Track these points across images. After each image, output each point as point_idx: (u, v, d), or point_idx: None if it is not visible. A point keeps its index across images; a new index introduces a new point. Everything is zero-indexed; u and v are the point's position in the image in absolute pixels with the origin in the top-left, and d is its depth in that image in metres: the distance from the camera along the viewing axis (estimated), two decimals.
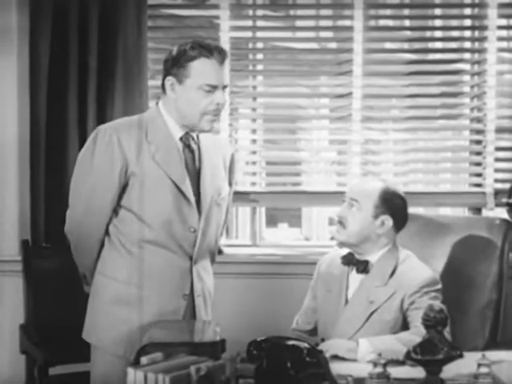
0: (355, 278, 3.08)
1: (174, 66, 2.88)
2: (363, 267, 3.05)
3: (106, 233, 2.98)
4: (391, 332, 2.96)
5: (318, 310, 3.16)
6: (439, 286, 3.04)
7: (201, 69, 2.85)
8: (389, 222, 3.07)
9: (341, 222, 3.05)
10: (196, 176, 2.97)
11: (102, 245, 3.00)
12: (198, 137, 3.00)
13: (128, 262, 2.93)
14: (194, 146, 2.99)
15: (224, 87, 2.90)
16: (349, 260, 3.09)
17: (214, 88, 2.86)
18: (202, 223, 2.97)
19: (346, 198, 3.09)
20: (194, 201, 2.94)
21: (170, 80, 2.89)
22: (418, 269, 3.06)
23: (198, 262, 2.99)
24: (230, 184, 3.16)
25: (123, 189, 2.91)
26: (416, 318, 2.85)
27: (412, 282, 2.99)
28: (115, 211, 2.94)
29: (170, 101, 2.93)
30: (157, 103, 3.00)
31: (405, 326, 2.98)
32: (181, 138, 2.96)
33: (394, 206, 3.09)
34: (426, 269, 3.08)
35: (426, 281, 3.01)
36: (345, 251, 3.13)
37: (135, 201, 2.90)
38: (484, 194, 4.19)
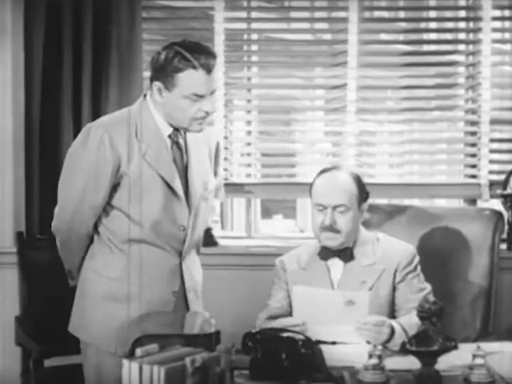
0: (337, 265, 3.08)
1: (161, 73, 2.83)
2: (349, 255, 3.07)
3: (96, 230, 2.96)
4: (388, 306, 3.02)
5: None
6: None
7: (187, 80, 2.80)
8: (366, 205, 3.13)
9: (332, 228, 3.03)
10: (184, 172, 2.96)
11: (91, 241, 2.98)
12: (185, 132, 2.96)
13: (118, 259, 2.92)
14: (182, 142, 2.97)
15: (212, 93, 2.86)
16: (328, 253, 3.09)
17: (201, 97, 2.83)
18: (191, 220, 2.96)
19: (322, 207, 3.04)
20: (184, 198, 2.93)
21: (156, 85, 2.85)
22: (399, 243, 3.13)
23: (186, 257, 2.99)
24: (216, 174, 3.12)
25: (114, 188, 2.88)
26: (415, 287, 3.04)
27: (401, 254, 3.07)
28: (105, 210, 2.92)
29: (157, 101, 2.89)
30: (144, 95, 2.95)
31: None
32: (169, 135, 2.94)
33: (364, 187, 3.12)
34: (405, 243, 3.15)
35: (413, 251, 3.11)
36: (312, 247, 3.14)
37: (126, 200, 2.88)
38: (479, 185, 4.19)
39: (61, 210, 2.95)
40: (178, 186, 2.91)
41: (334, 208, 3.02)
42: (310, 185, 3.11)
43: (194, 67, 2.80)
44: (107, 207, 2.91)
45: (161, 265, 2.94)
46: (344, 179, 3.06)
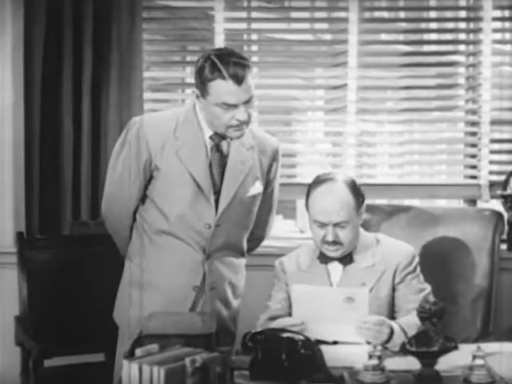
0: (336, 269, 3.07)
1: (197, 80, 2.90)
2: (349, 259, 3.05)
3: (135, 219, 3.10)
4: (388, 307, 3.01)
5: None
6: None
7: (217, 89, 2.85)
8: (363, 208, 3.10)
9: (335, 242, 3.01)
10: (220, 174, 3.01)
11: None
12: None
13: (146, 248, 3.04)
14: (224, 145, 3.01)
15: (246, 102, 2.88)
16: (328, 258, 3.06)
17: (234, 106, 2.86)
18: (219, 220, 3.00)
19: (322, 224, 3.00)
20: (213, 198, 2.99)
21: (195, 92, 2.94)
22: (399, 244, 3.12)
23: (213, 256, 3.04)
24: (270, 181, 3.19)
25: (149, 180, 3.01)
26: (415, 288, 3.02)
27: (400, 255, 3.06)
28: (142, 200, 3.06)
29: (200, 106, 2.98)
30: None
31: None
32: (211, 137, 3.00)
33: (360, 192, 3.08)
34: (404, 243, 3.13)
35: (413, 252, 3.09)
36: (311, 249, 3.12)
37: (157, 192, 3.01)
38: (479, 185, 4.19)
39: (104, 196, 3.14)
40: (206, 185, 2.98)
41: (335, 224, 3.01)
42: (306, 196, 3.06)
43: (223, 77, 2.83)
44: (144, 197, 3.05)
45: (184, 259, 3.02)
46: (341, 192, 3.00)
